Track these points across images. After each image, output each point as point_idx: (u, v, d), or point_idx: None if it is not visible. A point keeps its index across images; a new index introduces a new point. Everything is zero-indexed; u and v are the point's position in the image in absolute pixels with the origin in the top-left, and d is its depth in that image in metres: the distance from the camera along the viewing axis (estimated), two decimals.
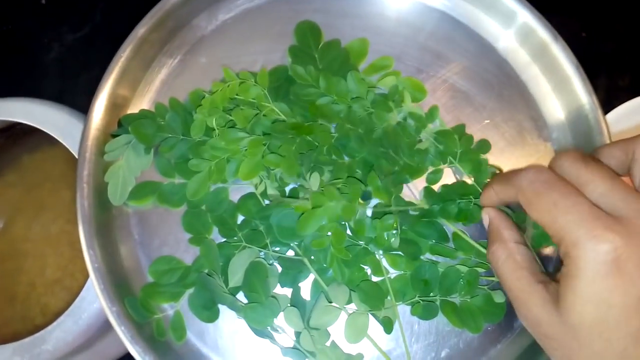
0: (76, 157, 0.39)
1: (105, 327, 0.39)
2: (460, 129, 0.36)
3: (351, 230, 0.34)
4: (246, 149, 0.34)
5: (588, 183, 0.25)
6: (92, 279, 0.32)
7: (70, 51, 0.58)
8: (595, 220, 0.23)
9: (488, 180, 0.34)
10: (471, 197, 0.35)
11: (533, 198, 0.26)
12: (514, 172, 0.28)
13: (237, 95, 0.35)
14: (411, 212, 0.35)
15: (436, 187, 0.36)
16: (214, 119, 0.35)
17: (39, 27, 0.58)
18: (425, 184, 0.36)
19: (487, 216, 0.31)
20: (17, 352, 0.37)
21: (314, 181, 0.33)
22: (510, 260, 0.28)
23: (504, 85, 0.38)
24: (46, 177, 0.51)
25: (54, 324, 0.37)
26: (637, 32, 0.52)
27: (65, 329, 0.37)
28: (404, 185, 0.35)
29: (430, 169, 0.35)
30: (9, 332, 0.47)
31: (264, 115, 0.35)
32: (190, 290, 0.34)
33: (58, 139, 0.40)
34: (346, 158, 0.35)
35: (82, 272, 0.48)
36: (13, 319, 0.48)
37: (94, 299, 0.37)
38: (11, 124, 0.48)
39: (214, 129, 0.34)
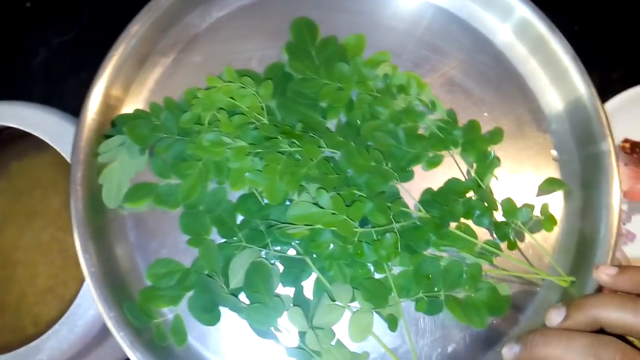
0: (67, 161, 0.38)
1: (101, 335, 0.38)
2: (474, 125, 0.36)
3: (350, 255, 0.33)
4: (230, 157, 0.33)
5: None
6: (89, 284, 0.31)
7: (57, 55, 0.56)
8: None
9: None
10: (471, 192, 0.35)
11: None
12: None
13: (231, 98, 0.35)
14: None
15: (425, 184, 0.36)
16: (207, 116, 0.34)
17: (25, 31, 0.57)
18: (418, 187, 0.35)
19: None
20: None
21: (324, 202, 0.32)
22: None
23: (501, 78, 0.38)
24: (35, 183, 0.50)
25: (49, 332, 0.36)
26: (628, 25, 0.52)
27: (61, 338, 0.36)
28: (399, 189, 0.35)
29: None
30: None
31: (255, 128, 0.34)
32: (190, 293, 0.33)
33: (48, 142, 0.39)
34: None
35: (75, 280, 0.47)
36: (3, 330, 0.46)
37: (89, 306, 0.36)
38: None
39: (206, 125, 0.34)
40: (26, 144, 0.49)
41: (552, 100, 0.38)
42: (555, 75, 0.37)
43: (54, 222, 0.48)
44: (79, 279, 0.47)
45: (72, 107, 0.54)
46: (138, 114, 0.35)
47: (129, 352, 0.30)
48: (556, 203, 0.37)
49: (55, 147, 0.39)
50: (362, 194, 0.33)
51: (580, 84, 0.36)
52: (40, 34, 0.57)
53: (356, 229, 0.32)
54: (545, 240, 0.36)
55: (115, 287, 0.32)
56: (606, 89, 0.45)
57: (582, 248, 0.35)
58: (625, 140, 0.45)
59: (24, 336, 0.45)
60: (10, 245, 0.48)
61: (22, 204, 0.49)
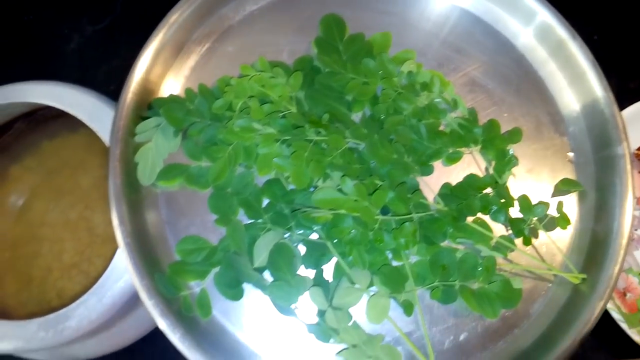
0: (99, 142, 0.40)
1: (126, 308, 0.40)
2: (494, 124, 0.38)
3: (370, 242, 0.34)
4: (259, 143, 0.35)
5: None
6: (124, 253, 0.33)
7: (89, 42, 0.59)
8: None
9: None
10: (489, 188, 0.36)
11: None
12: None
13: (262, 87, 0.36)
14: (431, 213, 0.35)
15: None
16: (239, 103, 0.36)
17: (59, 18, 0.59)
18: (436, 181, 0.37)
19: None
20: (42, 327, 0.37)
21: (347, 188, 0.33)
22: None
23: (522, 80, 0.39)
24: (65, 163, 0.51)
25: (78, 301, 0.38)
26: None
27: (89, 307, 0.37)
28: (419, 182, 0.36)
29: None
30: (25, 313, 0.47)
31: (283, 117, 0.36)
32: (216, 269, 0.35)
33: (85, 122, 0.41)
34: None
35: (100, 257, 0.49)
36: (29, 302, 0.48)
37: (118, 278, 0.38)
38: (34, 110, 0.48)
39: (237, 112, 0.35)
40: (58, 125, 0.51)
41: (570, 104, 0.39)
42: (574, 79, 0.38)
43: (82, 201, 0.50)
44: (104, 257, 0.49)
45: (104, 93, 0.56)
46: (173, 98, 0.37)
47: (159, 320, 0.32)
48: (570, 204, 0.38)
49: (91, 126, 0.40)
50: (383, 184, 0.35)
51: (598, 88, 0.37)
52: (75, 22, 0.59)
53: (377, 216, 0.33)
54: (559, 241, 0.37)
55: (147, 259, 0.34)
56: (623, 98, 0.46)
57: (594, 248, 0.36)
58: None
59: (49, 308, 0.47)
60: (38, 221, 0.50)
61: (51, 182, 0.51)
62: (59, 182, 0.51)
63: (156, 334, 0.48)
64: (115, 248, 0.48)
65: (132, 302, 0.39)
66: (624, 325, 0.42)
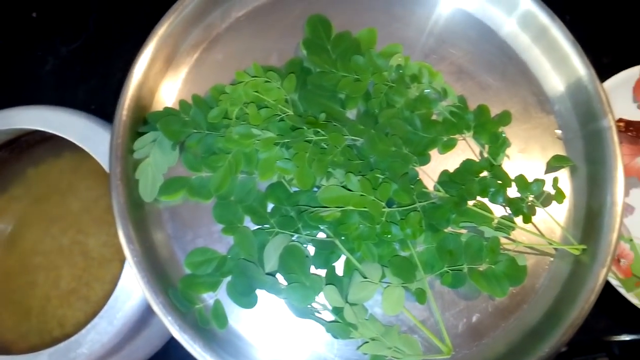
0: (92, 162, 0.39)
1: (136, 328, 0.39)
2: (483, 109, 0.39)
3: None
4: (258, 148, 0.35)
5: None
6: (135, 272, 0.32)
7: (65, 63, 0.57)
8: None
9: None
10: (485, 171, 0.38)
11: None
12: None
13: (257, 92, 0.36)
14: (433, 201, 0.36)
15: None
16: (235, 110, 0.36)
17: (32, 41, 0.58)
18: (434, 170, 0.38)
19: None
20: (52, 357, 0.37)
21: (353, 184, 0.34)
22: None
23: (506, 65, 0.41)
24: (53, 189, 0.50)
25: (89, 326, 0.37)
26: (615, 14, 0.56)
27: (100, 330, 0.37)
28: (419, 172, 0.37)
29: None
30: (25, 346, 0.46)
31: (281, 120, 0.36)
32: (228, 279, 0.34)
33: (77, 143, 0.40)
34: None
35: (99, 281, 0.48)
36: (30, 333, 0.47)
37: (127, 298, 0.37)
38: (16, 137, 0.47)
39: (234, 119, 0.36)
40: (43, 151, 0.50)
41: (555, 83, 0.40)
42: (557, 60, 0.40)
43: (74, 226, 0.49)
44: (102, 280, 0.48)
45: None
46: (168, 111, 0.37)
47: (178, 335, 0.31)
48: (563, 180, 0.39)
49: (84, 148, 0.40)
50: (385, 177, 0.35)
51: (580, 67, 0.38)
52: (48, 43, 0.57)
53: (384, 209, 0.34)
54: (556, 217, 0.38)
55: (158, 276, 0.33)
56: (597, 73, 0.48)
57: (590, 220, 0.38)
58: (620, 120, 0.48)
59: (51, 338, 0.46)
60: (29, 250, 0.49)
61: (40, 209, 0.50)
62: (48, 208, 0.50)
63: (161, 355, 0.47)
64: (114, 270, 0.48)
65: (141, 321, 0.39)
66: (622, 290, 0.44)
